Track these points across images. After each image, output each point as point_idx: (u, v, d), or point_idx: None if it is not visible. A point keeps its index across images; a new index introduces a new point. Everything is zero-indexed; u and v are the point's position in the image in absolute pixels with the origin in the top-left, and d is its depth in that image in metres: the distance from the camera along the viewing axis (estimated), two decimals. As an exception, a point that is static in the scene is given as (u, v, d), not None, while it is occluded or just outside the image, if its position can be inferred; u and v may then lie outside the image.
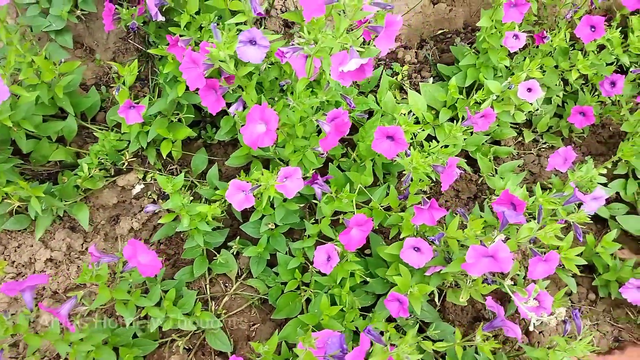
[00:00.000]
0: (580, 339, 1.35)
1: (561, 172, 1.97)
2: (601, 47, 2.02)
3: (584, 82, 2.30)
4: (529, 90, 1.87)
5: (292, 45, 1.25)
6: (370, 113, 2.05)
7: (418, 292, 1.43)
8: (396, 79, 2.20)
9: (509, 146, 2.24)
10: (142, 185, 1.85)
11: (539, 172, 2.20)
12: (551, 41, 1.87)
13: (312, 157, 1.60)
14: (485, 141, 2.19)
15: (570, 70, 1.93)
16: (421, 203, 1.43)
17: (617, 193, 2.14)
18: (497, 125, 2.14)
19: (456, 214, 1.95)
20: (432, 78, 2.23)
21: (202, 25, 1.67)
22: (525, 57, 2.12)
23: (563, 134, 2.27)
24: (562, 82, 2.22)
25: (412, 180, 1.53)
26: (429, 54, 2.35)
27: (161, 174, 1.88)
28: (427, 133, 1.88)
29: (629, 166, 2.12)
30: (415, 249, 1.43)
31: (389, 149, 1.51)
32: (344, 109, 1.66)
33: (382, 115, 1.96)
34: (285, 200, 1.64)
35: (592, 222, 2.13)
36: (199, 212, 1.53)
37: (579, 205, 1.69)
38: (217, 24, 1.36)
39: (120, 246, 1.80)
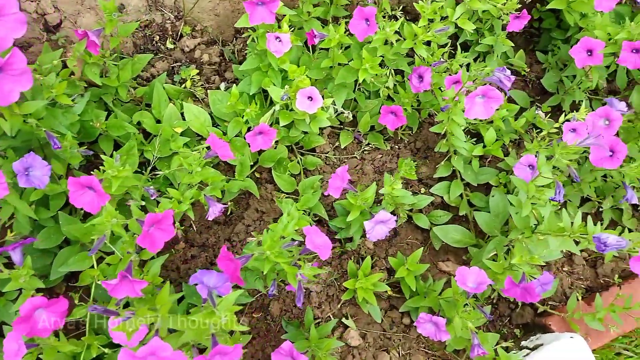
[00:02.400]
0: None
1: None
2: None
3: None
4: (310, 98, 1.59)
5: None
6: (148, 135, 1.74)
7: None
8: (184, 86, 1.88)
9: (326, 153, 1.97)
10: None
11: (360, 179, 1.95)
12: (329, 39, 1.58)
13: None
14: (296, 150, 1.92)
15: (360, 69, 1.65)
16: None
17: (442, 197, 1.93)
18: (304, 133, 1.86)
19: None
20: (223, 83, 1.92)
21: None
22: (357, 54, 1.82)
23: (389, 133, 2.02)
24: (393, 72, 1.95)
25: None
26: (231, 51, 2.03)
27: None
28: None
29: (451, 166, 1.90)
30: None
31: (92, 201, 1.23)
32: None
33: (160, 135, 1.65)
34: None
35: (418, 230, 1.92)
36: None
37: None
38: None
39: None
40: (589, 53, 1.74)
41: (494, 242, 1.64)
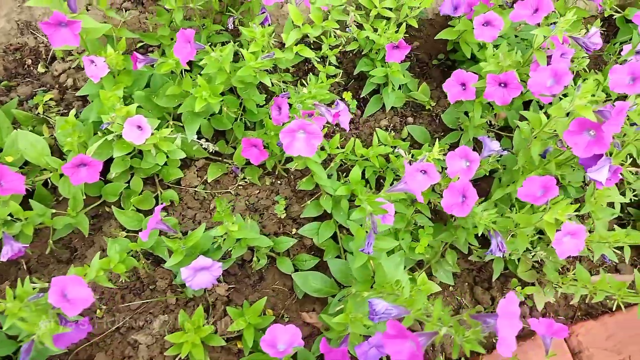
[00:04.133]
0: None
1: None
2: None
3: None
4: (139, 128, 1.45)
5: None
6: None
7: None
8: (37, 112, 1.76)
9: (194, 187, 1.82)
10: None
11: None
12: (159, 65, 1.45)
13: None
14: (158, 183, 1.78)
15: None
16: None
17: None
18: (163, 165, 1.72)
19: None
20: (74, 109, 1.79)
21: None
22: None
23: (267, 167, 1.86)
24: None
25: None
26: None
27: None
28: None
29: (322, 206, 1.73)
30: None
31: None
32: None
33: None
34: None
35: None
36: None
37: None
38: None
39: None
40: (463, 87, 1.58)
41: (342, 294, 1.45)
